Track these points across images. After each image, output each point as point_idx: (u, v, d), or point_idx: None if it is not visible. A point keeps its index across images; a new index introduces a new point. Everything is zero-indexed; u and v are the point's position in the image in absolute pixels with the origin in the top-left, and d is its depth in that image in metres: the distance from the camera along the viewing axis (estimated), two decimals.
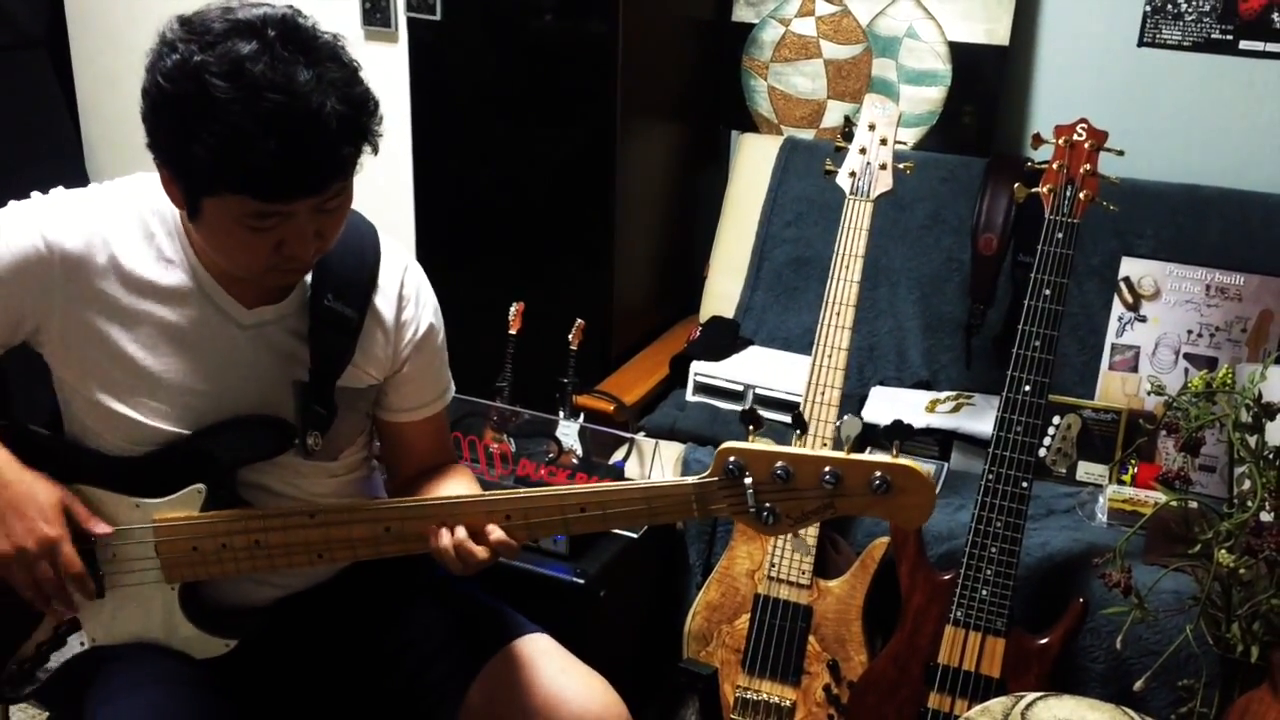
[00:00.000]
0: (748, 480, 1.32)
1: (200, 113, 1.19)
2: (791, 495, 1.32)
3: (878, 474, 1.30)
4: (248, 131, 1.18)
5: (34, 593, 1.38)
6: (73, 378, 1.41)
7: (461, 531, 1.37)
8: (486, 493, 1.42)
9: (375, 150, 1.29)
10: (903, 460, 1.31)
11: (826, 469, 1.31)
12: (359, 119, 1.25)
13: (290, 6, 1.27)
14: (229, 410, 1.42)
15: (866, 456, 1.31)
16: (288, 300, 1.44)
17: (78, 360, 1.39)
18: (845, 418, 1.34)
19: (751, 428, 1.43)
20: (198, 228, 1.31)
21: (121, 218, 1.38)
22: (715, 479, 1.34)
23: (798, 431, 1.50)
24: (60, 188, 1.41)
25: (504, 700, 1.46)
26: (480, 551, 1.36)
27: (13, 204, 1.38)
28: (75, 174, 3.30)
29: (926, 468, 1.32)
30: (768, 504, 1.33)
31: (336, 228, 1.35)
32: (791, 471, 1.32)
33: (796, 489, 1.32)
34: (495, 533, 1.37)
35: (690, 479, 1.36)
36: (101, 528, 1.40)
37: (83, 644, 1.47)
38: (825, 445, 1.94)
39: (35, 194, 1.39)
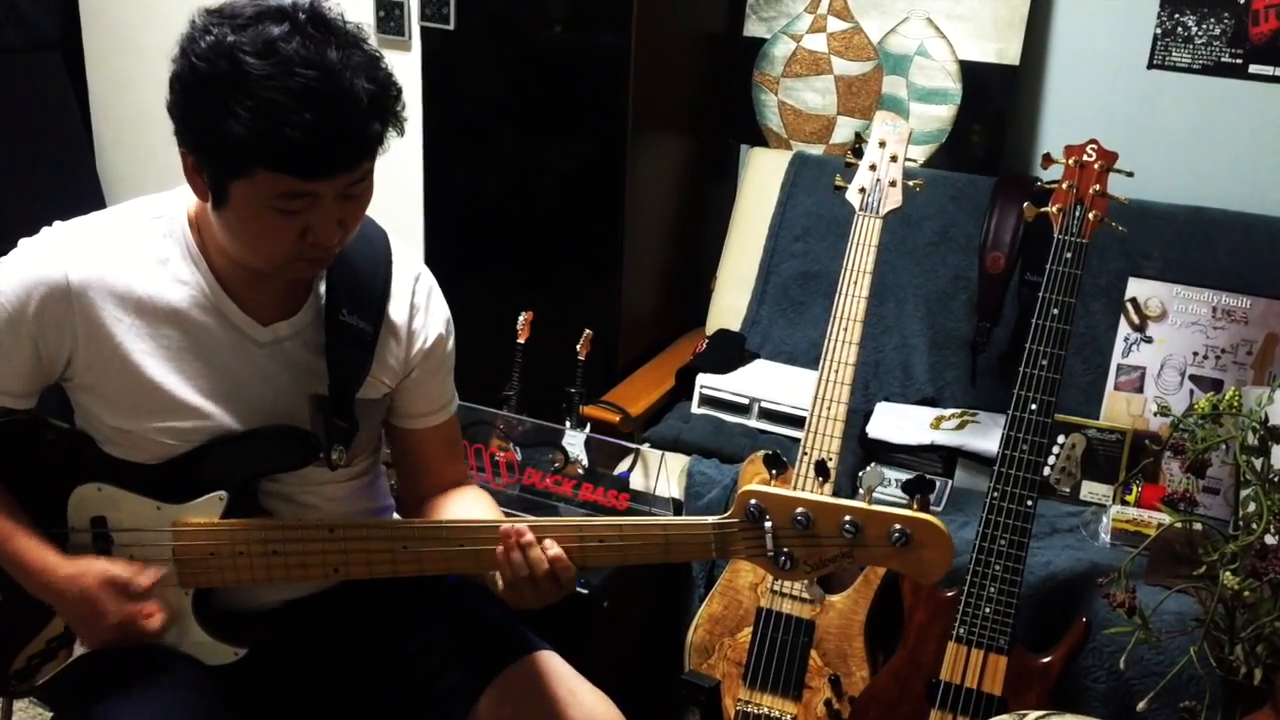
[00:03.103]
0: (768, 524, 1.32)
1: (235, 89, 1.21)
2: (810, 542, 1.32)
3: (898, 526, 1.30)
4: (282, 105, 1.20)
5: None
6: (97, 407, 1.41)
7: (530, 536, 1.36)
8: (505, 519, 1.43)
9: (401, 132, 1.32)
10: (924, 515, 1.31)
11: (846, 518, 1.31)
12: (386, 99, 1.28)
13: None
14: (251, 426, 1.43)
15: (888, 509, 1.31)
16: (301, 314, 1.45)
17: (102, 390, 1.40)
18: (869, 468, 1.35)
19: (774, 471, 1.43)
20: (221, 218, 1.32)
21: (132, 245, 1.39)
22: (735, 520, 1.34)
23: (820, 479, 1.50)
24: (66, 221, 1.41)
25: (509, 717, 1.47)
26: (545, 562, 1.36)
27: (23, 242, 1.39)
28: (86, 176, 3.32)
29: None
30: (785, 549, 1.33)
31: (358, 217, 1.36)
32: (812, 518, 1.32)
33: (815, 536, 1.32)
34: (553, 549, 1.37)
35: (709, 519, 1.36)
36: (146, 578, 1.40)
37: (86, 647, 1.48)
38: (831, 459, 1.94)
39: (45, 229, 1.40)
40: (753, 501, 1.33)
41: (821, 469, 1.52)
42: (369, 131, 1.27)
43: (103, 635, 1.41)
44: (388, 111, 1.29)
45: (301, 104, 1.20)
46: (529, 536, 1.36)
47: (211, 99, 1.23)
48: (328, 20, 1.27)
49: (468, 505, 1.55)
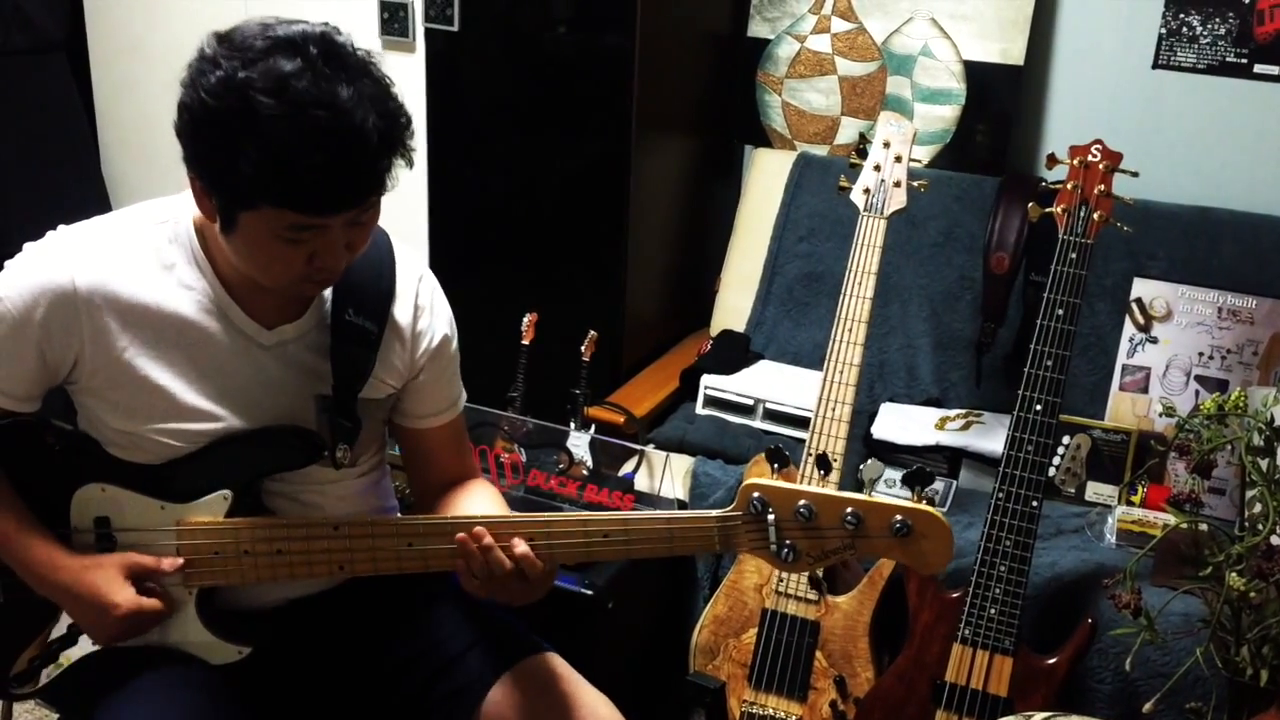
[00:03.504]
0: (771, 517, 1.33)
1: (246, 128, 1.20)
2: (813, 534, 1.33)
3: (899, 518, 1.31)
4: (294, 147, 1.20)
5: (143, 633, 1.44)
6: (101, 411, 1.42)
7: (489, 539, 1.37)
8: (510, 514, 1.43)
9: (410, 164, 1.32)
10: (924, 506, 1.32)
11: (848, 510, 1.31)
12: (395, 133, 1.28)
13: (326, 24, 1.29)
14: (254, 427, 1.43)
15: (889, 500, 1.32)
16: (305, 317, 1.46)
17: (106, 393, 1.40)
18: (869, 461, 1.35)
19: (776, 466, 1.43)
20: (229, 241, 1.32)
21: (138, 250, 1.39)
22: (739, 514, 1.35)
23: (821, 473, 1.52)
24: (71, 225, 1.41)
25: (513, 718, 1.46)
26: (506, 562, 1.36)
27: (28, 247, 1.39)
28: (91, 178, 3.32)
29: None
30: (788, 541, 1.33)
31: (365, 239, 1.37)
32: (814, 511, 1.32)
33: (818, 528, 1.33)
34: (520, 547, 1.37)
35: (713, 513, 1.37)
36: (168, 563, 1.41)
37: (94, 643, 1.48)
38: (835, 460, 1.94)
39: (49, 234, 1.40)
40: (756, 494, 1.34)
41: (823, 462, 1.53)
42: (378, 169, 1.27)
43: (111, 627, 1.40)
44: (397, 143, 1.28)
45: (313, 145, 1.20)
46: (488, 539, 1.37)
47: (221, 136, 1.23)
48: (339, 52, 1.26)
49: (477, 500, 1.55)
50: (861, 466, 1.36)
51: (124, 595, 1.38)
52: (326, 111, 1.21)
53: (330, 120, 1.21)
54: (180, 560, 1.41)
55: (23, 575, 1.43)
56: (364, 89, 1.24)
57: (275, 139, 1.20)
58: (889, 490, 2.16)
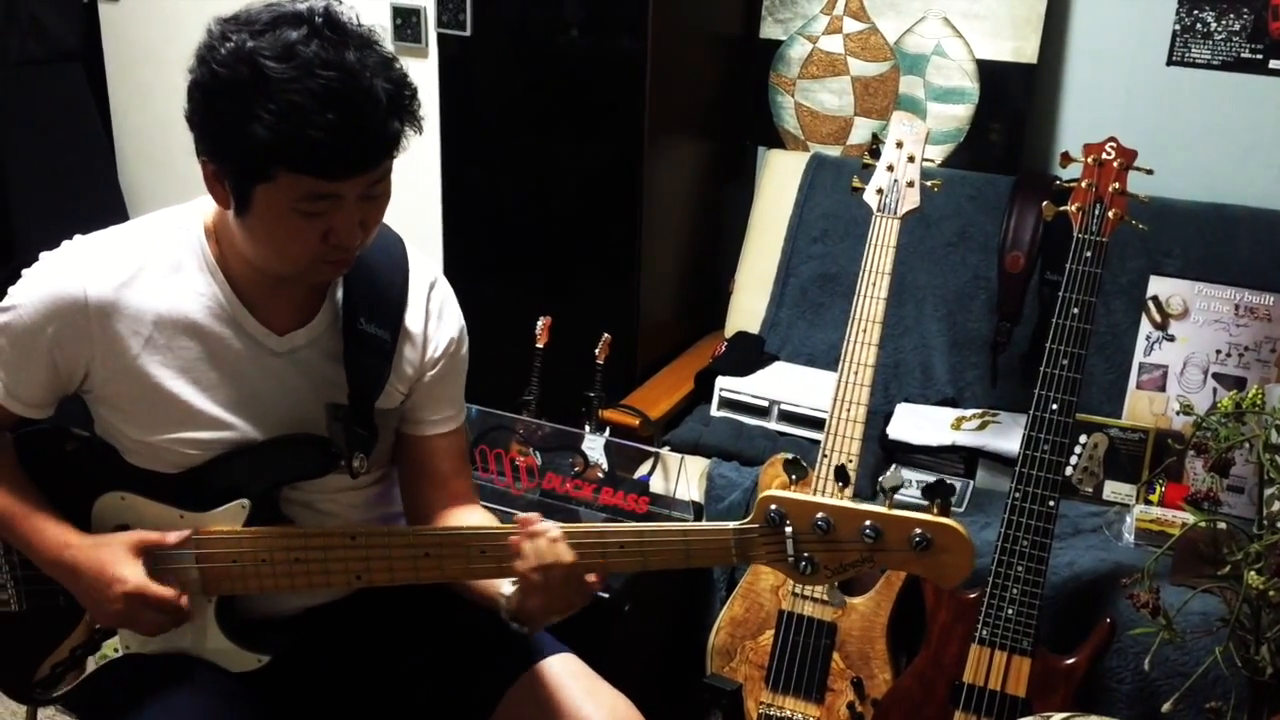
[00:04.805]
0: (788, 529, 1.32)
1: (257, 93, 1.22)
2: (831, 547, 1.32)
3: (918, 531, 1.29)
4: (305, 107, 1.21)
5: (157, 630, 1.43)
6: (117, 419, 1.43)
7: (539, 526, 1.35)
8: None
9: (419, 131, 1.33)
10: (944, 519, 1.30)
11: (867, 523, 1.30)
12: (403, 97, 1.29)
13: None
14: (271, 435, 1.44)
15: (908, 513, 1.30)
16: (316, 321, 1.46)
17: (120, 402, 1.41)
18: (889, 471, 1.34)
19: (794, 476, 1.42)
20: (244, 224, 1.33)
21: (150, 258, 1.40)
22: (756, 526, 1.34)
23: (840, 484, 1.51)
24: (85, 235, 1.42)
25: (531, 718, 1.47)
26: (550, 552, 1.35)
27: (44, 256, 1.40)
28: (108, 186, 3.35)
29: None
30: (806, 554, 1.32)
31: (378, 218, 1.37)
32: (832, 523, 1.31)
33: (836, 541, 1.32)
34: (555, 530, 1.36)
35: (730, 525, 1.35)
36: (174, 536, 1.41)
37: (116, 650, 1.49)
38: (851, 461, 1.94)
39: (65, 243, 1.41)
40: (773, 507, 1.33)
41: (841, 474, 1.52)
42: (389, 130, 1.28)
43: (114, 603, 1.38)
44: (405, 110, 1.30)
45: (324, 105, 1.22)
46: (538, 526, 1.36)
47: (233, 104, 1.24)
48: (342, 23, 1.28)
49: (478, 521, 1.55)
50: (881, 477, 1.34)
51: (131, 571, 1.38)
52: (335, 72, 1.22)
53: (339, 80, 1.22)
54: (186, 533, 1.41)
55: (31, 554, 1.43)
56: (369, 57, 1.26)
57: (287, 101, 1.21)
58: (905, 492, 2.16)
